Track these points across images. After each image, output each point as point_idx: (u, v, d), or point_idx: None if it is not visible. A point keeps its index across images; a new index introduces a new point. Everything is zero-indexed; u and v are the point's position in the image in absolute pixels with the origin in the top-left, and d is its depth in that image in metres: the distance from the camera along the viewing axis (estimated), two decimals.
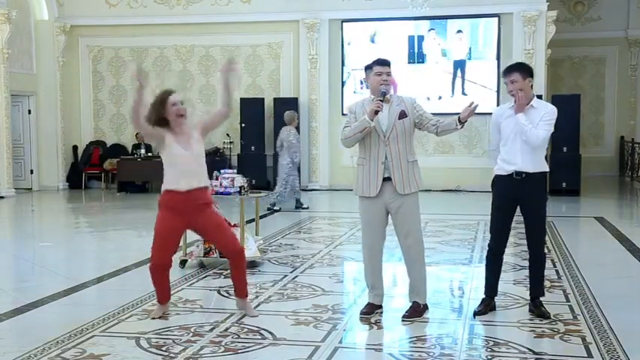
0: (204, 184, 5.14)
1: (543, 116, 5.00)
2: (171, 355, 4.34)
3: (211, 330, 4.87)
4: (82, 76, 16.38)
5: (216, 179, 7.03)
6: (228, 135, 15.45)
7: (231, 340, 4.65)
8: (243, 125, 15.15)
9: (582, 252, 8.30)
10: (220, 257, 6.77)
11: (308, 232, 9.67)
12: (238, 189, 6.96)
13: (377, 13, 14.95)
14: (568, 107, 12.29)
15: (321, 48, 15.16)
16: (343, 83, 15.22)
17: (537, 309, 5.15)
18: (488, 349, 4.45)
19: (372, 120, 4.92)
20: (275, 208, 11.57)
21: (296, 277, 6.61)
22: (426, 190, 13.62)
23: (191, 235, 6.47)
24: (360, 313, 5.17)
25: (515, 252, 7.31)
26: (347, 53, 15.14)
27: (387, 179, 5.03)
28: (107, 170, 15.99)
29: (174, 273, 6.64)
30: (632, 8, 18.33)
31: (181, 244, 7.10)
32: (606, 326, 4.89)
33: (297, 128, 11.88)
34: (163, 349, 4.46)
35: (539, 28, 14.27)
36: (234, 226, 7.06)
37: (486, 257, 5.35)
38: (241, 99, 15.28)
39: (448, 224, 10.02)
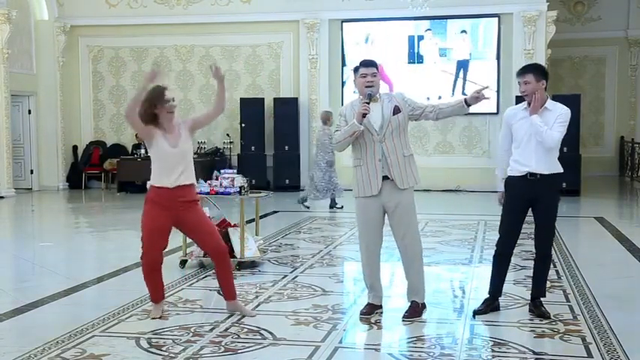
0: (191, 182, 5.15)
1: (557, 118, 5.00)
2: (171, 355, 4.34)
3: (211, 330, 4.86)
4: (82, 76, 16.38)
5: (216, 179, 7.03)
6: (228, 135, 15.45)
7: (231, 340, 4.65)
8: (243, 125, 15.15)
9: (582, 252, 8.30)
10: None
11: (308, 232, 9.66)
12: (238, 189, 6.96)
13: (377, 13, 14.95)
14: (568, 107, 12.30)
15: (321, 48, 15.16)
16: (343, 83, 15.21)
17: (537, 309, 5.15)
18: (489, 349, 4.45)
19: (360, 123, 4.93)
20: (305, 204, 11.60)
21: (296, 277, 6.61)
22: (426, 190, 13.71)
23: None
24: (360, 314, 5.17)
25: (515, 252, 7.25)
26: (347, 53, 15.13)
27: (385, 178, 5.03)
28: (107, 170, 15.99)
29: (175, 273, 6.66)
30: (632, 8, 18.33)
31: (181, 244, 7.12)
32: (606, 326, 4.89)
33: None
34: (163, 349, 4.46)
35: (539, 28, 14.27)
36: (234, 226, 7.07)
37: (493, 257, 5.32)
38: (241, 99, 15.29)
39: (448, 224, 10.02)
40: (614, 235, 9.02)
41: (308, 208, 11.62)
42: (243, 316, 5.16)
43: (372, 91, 5.02)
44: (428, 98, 14.32)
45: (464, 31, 14.80)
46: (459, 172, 14.71)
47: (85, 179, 16.19)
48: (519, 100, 10.71)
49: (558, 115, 5.02)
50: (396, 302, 5.46)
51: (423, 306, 5.21)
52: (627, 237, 8.76)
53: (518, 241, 5.34)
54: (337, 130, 5.13)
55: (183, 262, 6.98)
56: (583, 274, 6.57)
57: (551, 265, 6.78)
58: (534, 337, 4.69)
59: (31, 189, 15.65)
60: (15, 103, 15.13)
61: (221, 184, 6.99)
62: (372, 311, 5.19)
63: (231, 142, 15.47)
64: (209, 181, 7.05)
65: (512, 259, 5.50)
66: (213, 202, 7.25)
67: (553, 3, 15.11)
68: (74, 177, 16.23)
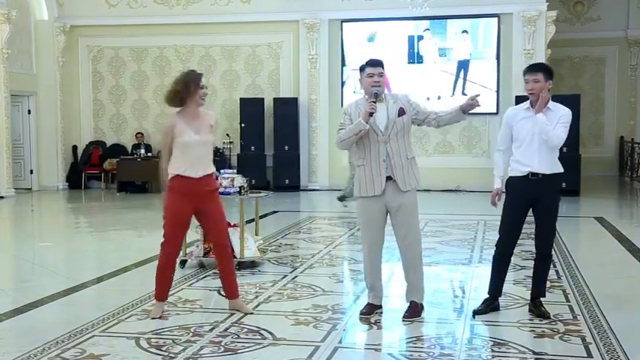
0: (212, 170, 5.25)
1: (560, 118, 5.01)
2: (171, 355, 4.34)
3: (211, 330, 4.86)
4: (81, 76, 16.37)
5: (216, 179, 7.02)
6: (228, 135, 15.45)
7: (230, 340, 4.64)
8: (242, 125, 15.14)
9: (582, 252, 8.30)
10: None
11: (308, 232, 9.67)
12: (238, 189, 6.95)
13: (377, 13, 14.94)
14: (568, 107, 12.30)
15: (320, 48, 15.16)
16: (343, 83, 15.21)
17: (537, 309, 5.14)
18: (488, 349, 4.45)
19: (366, 122, 4.93)
20: (344, 203, 11.66)
21: (296, 277, 6.61)
22: (426, 190, 13.70)
23: (191, 235, 6.47)
24: (360, 314, 5.17)
25: (515, 252, 7.24)
26: (347, 53, 15.13)
27: (389, 178, 5.03)
28: (107, 170, 15.99)
29: (174, 273, 6.64)
30: (632, 8, 18.33)
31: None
32: (606, 326, 4.88)
33: None
34: (163, 349, 4.46)
35: (539, 28, 14.27)
36: (234, 226, 7.06)
37: (493, 257, 5.31)
38: (241, 99, 15.29)
39: (448, 224, 10.01)
40: (614, 235, 9.01)
41: (346, 207, 11.63)
42: (244, 316, 5.15)
43: (379, 90, 5.01)
44: (428, 98, 14.34)
45: (465, 31, 14.80)
46: (458, 172, 14.71)
47: (85, 179, 16.19)
48: (519, 100, 10.74)
49: (561, 115, 5.03)
50: (395, 302, 5.45)
51: (422, 307, 5.21)
52: (627, 237, 8.75)
53: (519, 241, 5.34)
54: (341, 128, 5.12)
55: (183, 262, 6.98)
56: (583, 274, 6.56)
57: (552, 265, 6.81)
58: (534, 337, 4.69)
59: (30, 189, 15.65)
60: (15, 103, 15.13)
61: (221, 184, 6.98)
62: (371, 311, 5.19)
63: (230, 142, 15.45)
64: None
65: (512, 259, 5.50)
66: None
67: (553, 3, 15.11)
68: (74, 177, 16.22)
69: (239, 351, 4.44)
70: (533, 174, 5.02)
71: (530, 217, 5.19)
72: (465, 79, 14.70)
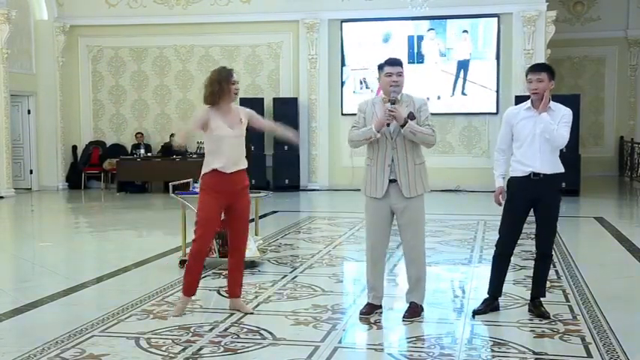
0: (246, 166, 5.25)
1: (562, 118, 5.00)
2: (171, 355, 4.34)
3: (211, 330, 4.86)
4: (81, 76, 16.37)
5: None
6: None
7: (230, 340, 4.64)
8: None
9: (582, 252, 8.30)
10: (220, 257, 6.77)
11: (308, 232, 9.66)
12: None
13: (377, 13, 14.94)
14: (568, 107, 12.32)
15: (320, 48, 15.16)
16: (343, 83, 15.20)
17: (537, 309, 5.14)
18: (488, 349, 4.45)
19: (378, 131, 4.90)
20: None
21: (295, 277, 6.61)
22: None
23: (190, 235, 6.46)
24: (360, 314, 5.17)
25: (515, 252, 7.25)
26: (347, 53, 15.13)
27: (392, 181, 5.01)
28: (107, 170, 15.99)
29: (174, 273, 6.66)
30: (631, 8, 18.32)
31: (181, 244, 7.12)
32: (606, 326, 4.88)
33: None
34: (163, 349, 4.45)
35: (538, 28, 14.27)
36: None
37: (493, 257, 5.31)
38: (241, 99, 15.23)
39: (448, 224, 10.01)
40: (613, 235, 9.01)
41: None
42: (244, 316, 5.15)
43: (397, 90, 4.94)
44: (428, 98, 14.28)
45: (465, 31, 14.79)
46: (458, 172, 14.70)
47: (85, 179, 16.18)
48: (519, 100, 10.73)
49: (562, 115, 5.03)
50: (396, 302, 5.45)
51: (422, 308, 5.20)
52: (627, 237, 8.75)
53: (519, 241, 5.34)
54: (354, 126, 5.09)
55: (182, 262, 6.96)
56: (583, 274, 6.56)
57: (552, 265, 6.81)
58: (534, 337, 4.69)
59: (30, 189, 15.65)
60: (14, 103, 15.13)
61: None
62: (371, 311, 5.18)
63: None
64: None
65: (512, 259, 5.50)
66: None
67: (553, 3, 15.11)
68: (74, 177, 16.22)
69: (239, 351, 4.43)
70: (535, 174, 5.02)
71: (530, 217, 5.18)
72: (464, 79, 14.70)
